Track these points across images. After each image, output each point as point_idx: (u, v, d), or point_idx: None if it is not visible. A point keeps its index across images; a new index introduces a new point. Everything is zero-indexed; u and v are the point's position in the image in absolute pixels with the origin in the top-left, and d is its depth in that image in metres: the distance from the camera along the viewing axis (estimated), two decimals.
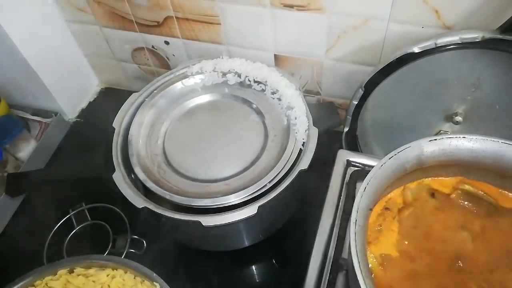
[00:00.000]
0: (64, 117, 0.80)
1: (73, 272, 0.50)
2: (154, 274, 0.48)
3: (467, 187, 0.40)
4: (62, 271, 0.50)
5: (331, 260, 0.46)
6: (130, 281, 0.49)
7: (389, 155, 0.37)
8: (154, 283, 0.48)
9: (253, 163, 0.54)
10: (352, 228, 0.33)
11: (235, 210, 0.49)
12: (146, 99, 0.60)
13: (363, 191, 0.35)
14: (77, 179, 0.56)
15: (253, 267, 0.62)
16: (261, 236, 0.60)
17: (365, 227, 0.34)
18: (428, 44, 0.49)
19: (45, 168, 0.70)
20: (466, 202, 0.40)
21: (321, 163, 0.61)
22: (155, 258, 0.61)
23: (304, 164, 0.52)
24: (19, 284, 0.48)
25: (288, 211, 0.61)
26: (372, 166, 0.37)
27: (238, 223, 0.49)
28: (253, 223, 0.54)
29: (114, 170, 0.53)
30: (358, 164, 0.54)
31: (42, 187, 0.61)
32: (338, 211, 0.50)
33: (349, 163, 0.54)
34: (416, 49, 0.50)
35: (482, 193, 0.40)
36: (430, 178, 0.42)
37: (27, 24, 0.68)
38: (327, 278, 0.44)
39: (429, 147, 0.39)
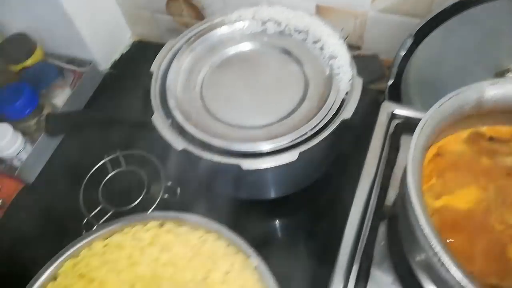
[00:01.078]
0: (97, 67, 0.80)
1: (163, 226, 0.48)
2: (250, 250, 0.44)
3: None
4: (153, 223, 0.48)
5: (374, 208, 0.45)
6: (221, 248, 0.46)
7: (449, 95, 0.36)
8: (250, 259, 0.44)
9: (293, 111, 0.53)
10: (410, 163, 0.31)
11: (275, 155, 0.48)
12: (184, 45, 0.59)
13: (421, 129, 0.33)
14: (116, 121, 0.56)
15: (287, 218, 0.62)
16: (296, 188, 0.59)
17: (421, 164, 0.33)
18: None
19: (83, 109, 0.70)
20: None
21: (361, 119, 0.60)
22: (188, 205, 0.61)
23: (347, 113, 0.50)
24: (110, 228, 0.47)
25: (326, 163, 0.60)
26: (418, 119, 0.35)
27: (278, 169, 0.49)
28: (292, 171, 0.54)
29: (152, 114, 0.52)
30: (402, 117, 0.52)
31: (81, 127, 0.61)
32: (381, 161, 0.48)
33: (393, 116, 0.52)
34: None
35: None
36: (486, 126, 0.41)
37: None
38: (369, 224, 0.44)
39: (491, 90, 0.37)
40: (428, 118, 0.34)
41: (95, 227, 0.53)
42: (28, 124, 0.68)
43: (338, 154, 0.62)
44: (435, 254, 0.29)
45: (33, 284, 0.44)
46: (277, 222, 0.62)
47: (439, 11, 0.50)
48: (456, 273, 0.28)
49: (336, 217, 0.47)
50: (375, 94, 0.66)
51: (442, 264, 0.29)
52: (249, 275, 0.44)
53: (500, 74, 0.55)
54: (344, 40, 0.56)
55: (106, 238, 0.47)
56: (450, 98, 0.35)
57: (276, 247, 0.59)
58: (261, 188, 0.58)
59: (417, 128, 0.33)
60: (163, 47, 0.59)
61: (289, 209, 0.61)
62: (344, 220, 0.45)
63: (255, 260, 0.44)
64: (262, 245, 0.58)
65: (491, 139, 0.40)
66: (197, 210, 0.61)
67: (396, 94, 0.57)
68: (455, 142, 0.40)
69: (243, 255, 0.45)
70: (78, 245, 0.46)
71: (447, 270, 0.29)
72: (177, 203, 0.61)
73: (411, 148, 0.32)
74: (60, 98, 0.73)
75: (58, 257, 0.45)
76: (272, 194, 0.59)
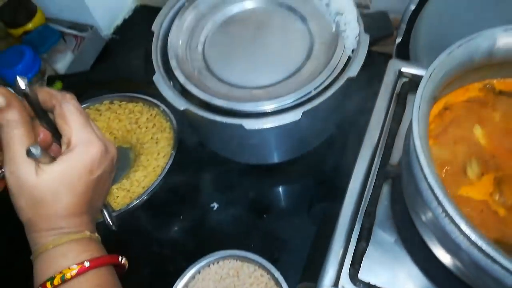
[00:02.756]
0: (99, 32, 0.79)
1: None
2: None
3: None
4: None
5: (378, 167, 0.44)
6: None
7: (459, 42, 0.34)
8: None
9: (298, 70, 0.51)
10: (415, 113, 0.30)
11: (278, 114, 0.47)
12: (186, 3, 0.57)
13: (429, 77, 0.32)
14: (118, 82, 0.55)
15: (290, 183, 0.61)
16: (300, 151, 0.59)
17: (427, 115, 0.31)
18: None
19: (86, 72, 0.69)
20: None
21: (367, 79, 0.58)
22: (192, 171, 0.61)
23: (353, 71, 0.49)
24: None
25: (330, 125, 0.59)
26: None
27: (281, 129, 0.48)
28: (295, 132, 0.53)
29: (154, 73, 0.51)
30: (410, 75, 0.50)
31: (83, 89, 0.60)
32: (387, 120, 0.47)
33: (400, 74, 0.50)
34: None
35: None
36: (496, 80, 0.39)
37: None
38: (373, 183, 0.43)
39: (503, 37, 0.35)
40: (436, 66, 0.32)
41: None
42: None
43: (343, 117, 0.60)
44: (440, 203, 0.28)
45: None
46: (280, 187, 0.61)
47: None
48: (462, 224, 0.27)
49: (339, 182, 0.47)
50: (382, 56, 0.63)
51: (447, 214, 0.28)
52: None
53: None
54: None
55: None
56: (460, 46, 0.34)
57: (279, 212, 0.59)
58: (265, 151, 0.57)
59: (424, 76, 0.32)
60: (165, 5, 0.57)
61: (293, 173, 0.61)
62: (347, 185, 0.44)
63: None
64: (266, 209, 0.58)
65: (501, 93, 0.38)
66: (200, 174, 0.61)
67: (404, 53, 0.55)
68: (464, 96, 0.38)
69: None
70: None
71: (452, 221, 0.28)
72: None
73: (418, 96, 0.31)
74: (62, 63, 0.72)
75: None
76: (276, 159, 0.58)
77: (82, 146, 0.34)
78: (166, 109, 0.64)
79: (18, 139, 0.33)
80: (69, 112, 0.34)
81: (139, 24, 0.83)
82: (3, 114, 0.32)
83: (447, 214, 0.28)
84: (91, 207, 0.36)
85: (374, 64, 0.61)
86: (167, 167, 0.59)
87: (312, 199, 0.59)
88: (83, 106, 0.62)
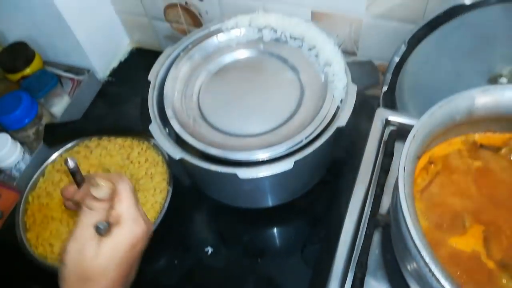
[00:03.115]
0: (96, 75, 0.81)
1: None
2: None
3: None
4: None
5: (368, 216, 0.45)
6: None
7: (439, 103, 0.36)
8: None
9: (288, 119, 0.53)
10: (401, 173, 0.32)
11: (271, 164, 0.48)
12: (181, 53, 0.59)
13: (412, 138, 0.34)
14: (113, 130, 0.57)
15: (283, 227, 0.62)
16: (292, 196, 0.60)
17: (413, 174, 0.33)
18: None
19: (81, 119, 0.70)
20: None
21: (356, 125, 0.60)
22: (186, 212, 0.62)
23: (342, 121, 0.50)
24: None
25: (322, 170, 0.61)
26: (412, 126, 0.36)
27: (274, 177, 0.49)
28: (288, 179, 0.54)
29: (149, 122, 0.53)
30: (397, 123, 0.52)
31: (79, 137, 0.61)
32: (375, 169, 0.49)
33: (387, 122, 0.52)
34: (467, 1, 0.47)
35: None
36: (477, 134, 0.41)
37: None
38: (364, 232, 0.44)
39: (481, 97, 0.37)
40: (418, 128, 0.34)
41: None
42: (27, 134, 0.68)
43: (334, 160, 0.62)
44: (426, 264, 0.29)
45: None
46: (274, 230, 0.62)
47: (433, 17, 0.50)
48: (446, 284, 0.29)
49: (332, 224, 0.48)
50: (371, 100, 0.66)
51: (433, 274, 0.29)
52: None
53: (494, 79, 0.56)
54: (339, 46, 0.57)
55: None
56: (440, 107, 0.36)
57: (273, 255, 0.59)
58: (258, 196, 0.58)
59: (407, 139, 0.34)
60: (161, 55, 0.59)
61: (286, 217, 0.62)
62: (340, 228, 0.46)
63: None
64: (260, 253, 0.59)
65: (482, 146, 0.40)
66: (197, 218, 0.62)
67: (390, 100, 0.58)
68: (447, 150, 0.40)
69: None
70: None
71: (438, 281, 0.29)
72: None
73: (402, 159, 0.32)
74: (59, 106, 0.74)
75: None
76: (270, 203, 0.59)
77: (131, 223, 0.36)
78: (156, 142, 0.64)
79: (92, 220, 0.36)
80: (124, 190, 0.37)
81: (135, 66, 0.85)
82: (97, 203, 0.36)
83: (433, 274, 0.29)
84: (127, 281, 0.38)
85: (367, 106, 0.64)
86: (166, 204, 0.59)
87: (306, 242, 0.60)
88: (71, 144, 0.63)
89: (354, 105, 0.52)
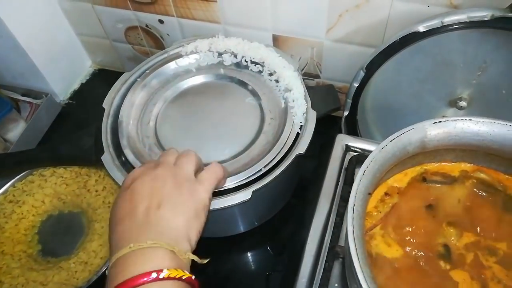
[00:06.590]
0: (55, 98, 0.78)
1: None
2: None
3: (482, 175, 0.38)
4: None
5: (327, 248, 0.44)
6: None
7: (391, 137, 0.35)
8: None
9: (248, 146, 0.52)
10: (350, 213, 0.31)
11: (228, 195, 0.47)
12: (138, 79, 0.58)
13: (362, 175, 0.33)
14: (66, 160, 0.54)
15: (248, 254, 0.60)
16: (256, 223, 0.58)
17: (363, 212, 0.32)
18: (434, 23, 0.47)
19: (33, 149, 0.67)
20: (480, 192, 0.38)
21: (319, 149, 0.59)
22: None
23: (301, 148, 0.50)
24: None
25: (284, 197, 0.60)
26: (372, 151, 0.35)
27: (232, 208, 0.48)
28: (248, 208, 0.53)
29: (103, 152, 0.51)
30: (357, 149, 0.52)
31: (30, 167, 0.59)
32: (336, 197, 0.48)
33: (348, 148, 0.52)
34: (421, 28, 0.47)
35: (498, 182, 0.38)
36: (432, 164, 0.40)
37: (16, 1, 0.66)
38: (323, 265, 0.43)
39: (433, 129, 0.37)
40: (369, 163, 0.33)
41: None
42: None
43: (301, 184, 0.61)
44: None
45: None
46: (239, 257, 0.60)
47: (390, 43, 0.50)
48: None
49: (296, 251, 0.46)
50: (333, 125, 0.66)
51: None
52: None
53: (453, 102, 0.56)
54: (301, 71, 0.56)
55: None
56: (392, 140, 0.35)
57: (237, 284, 0.57)
58: (219, 226, 0.56)
59: (358, 175, 0.33)
60: (116, 82, 0.57)
61: (249, 245, 0.60)
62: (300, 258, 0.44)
63: None
64: (224, 281, 0.57)
65: (435, 175, 0.40)
66: None
67: (352, 125, 0.57)
68: (402, 181, 0.39)
69: None
70: None
71: None
72: None
73: (352, 195, 0.31)
74: (14, 132, 0.70)
75: None
76: (230, 232, 0.58)
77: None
78: None
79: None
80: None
81: (97, 88, 0.82)
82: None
83: None
84: None
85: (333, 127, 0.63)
86: None
87: (271, 270, 0.58)
88: (25, 173, 0.61)
89: (314, 132, 0.51)
